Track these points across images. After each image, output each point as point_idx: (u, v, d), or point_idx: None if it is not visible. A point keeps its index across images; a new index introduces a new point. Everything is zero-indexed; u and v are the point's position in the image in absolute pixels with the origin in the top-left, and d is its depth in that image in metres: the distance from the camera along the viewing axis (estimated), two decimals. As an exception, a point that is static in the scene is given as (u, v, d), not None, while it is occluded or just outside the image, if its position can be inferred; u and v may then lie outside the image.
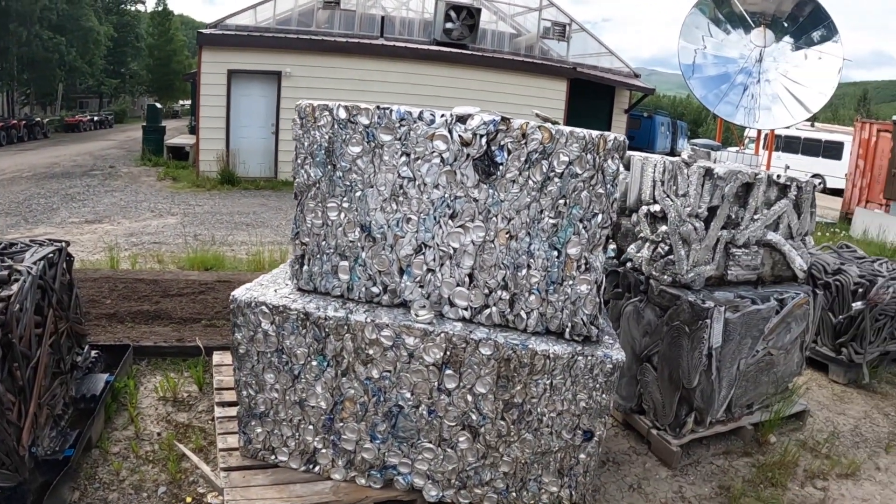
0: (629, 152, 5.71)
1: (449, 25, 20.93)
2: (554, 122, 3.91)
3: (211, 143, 18.81)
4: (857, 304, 7.30)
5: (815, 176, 30.01)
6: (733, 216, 5.33)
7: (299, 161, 4.04)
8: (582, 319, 3.91)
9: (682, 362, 5.08)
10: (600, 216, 3.80)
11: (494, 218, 3.86)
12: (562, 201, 3.79)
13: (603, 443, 4.26)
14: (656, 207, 5.28)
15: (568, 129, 3.74)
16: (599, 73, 24.13)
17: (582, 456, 4.00)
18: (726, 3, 22.64)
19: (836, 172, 30.83)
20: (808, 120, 27.12)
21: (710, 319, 4.92)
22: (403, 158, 3.86)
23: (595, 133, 3.73)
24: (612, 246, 5.87)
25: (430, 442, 4.02)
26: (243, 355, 4.10)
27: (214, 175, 18.51)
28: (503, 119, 3.73)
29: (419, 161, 3.84)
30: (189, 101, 44.09)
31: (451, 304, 3.99)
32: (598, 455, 4.07)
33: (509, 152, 3.76)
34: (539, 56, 23.38)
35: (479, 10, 21.38)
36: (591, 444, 3.98)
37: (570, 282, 3.88)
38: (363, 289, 4.08)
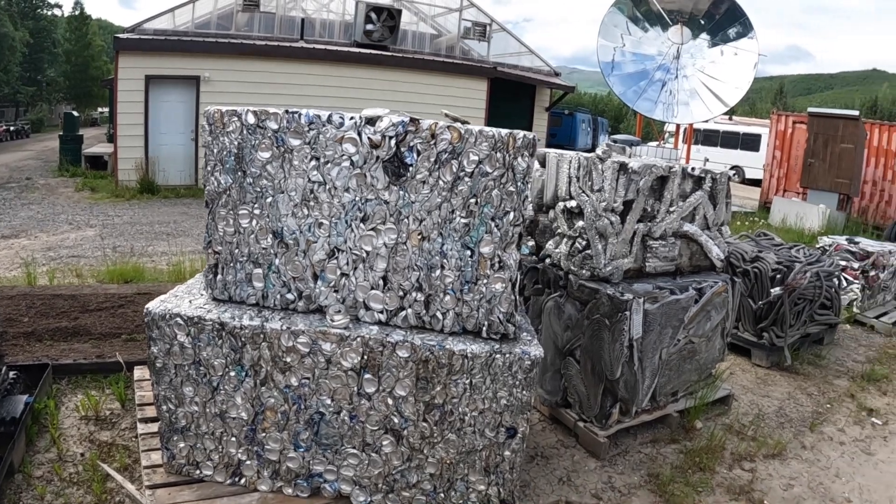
0: (545, 149, 5.77)
1: (369, 27, 20.83)
2: (463, 122, 3.92)
3: (129, 151, 18.37)
4: (776, 290, 7.46)
5: (734, 167, 31.00)
6: (649, 209, 5.42)
7: (209, 168, 3.99)
8: (498, 318, 3.94)
9: (604, 355, 5.13)
10: (512, 214, 3.83)
11: (406, 219, 3.87)
12: (473, 200, 3.81)
13: (529, 438, 4.29)
14: (572, 203, 5.33)
15: (477, 128, 3.76)
16: (520, 72, 24.28)
17: (507, 453, 4.03)
18: (644, 1, 23.08)
19: (754, 163, 31.66)
20: (725, 114, 27.68)
21: (630, 311, 4.99)
22: (313, 163, 3.85)
23: (504, 131, 3.75)
24: (531, 243, 5.92)
25: (354, 447, 4.01)
26: (161, 369, 4.04)
27: (134, 184, 18.07)
28: (412, 120, 3.74)
29: (329, 165, 3.83)
30: (108, 109, 43.18)
31: (367, 308, 3.99)
32: (523, 451, 4.10)
33: (419, 153, 3.77)
34: (460, 56, 23.46)
35: (399, 12, 21.33)
36: (516, 441, 4.01)
37: (485, 281, 3.90)
38: (278, 296, 4.05)
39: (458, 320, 3.97)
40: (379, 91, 20.23)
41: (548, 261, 5.71)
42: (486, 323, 3.96)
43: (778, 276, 7.62)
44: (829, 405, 7.01)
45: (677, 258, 5.77)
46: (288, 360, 3.88)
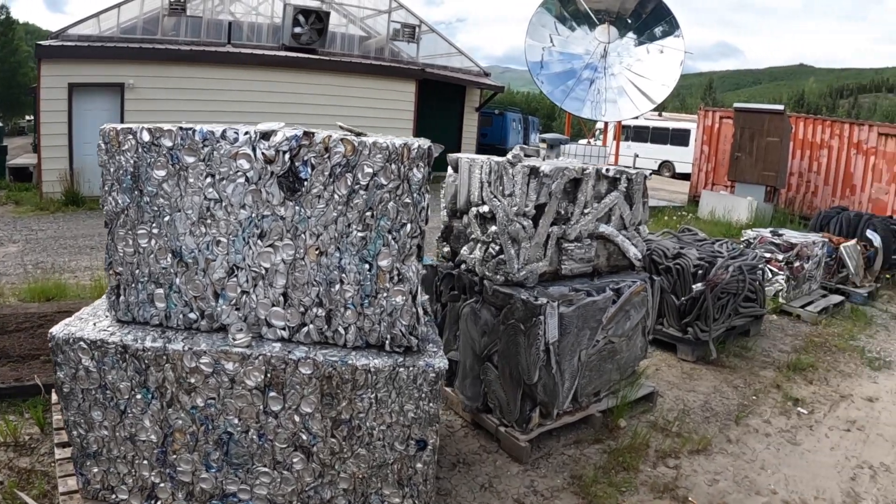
0: (457, 154, 5.75)
1: (297, 30, 20.54)
2: (358, 134, 3.87)
3: (53, 162, 17.76)
4: (697, 286, 7.52)
5: (664, 162, 31.41)
6: (563, 212, 5.42)
7: (107, 188, 3.90)
8: (400, 331, 3.90)
9: (521, 359, 5.12)
10: (409, 226, 3.78)
11: (303, 235, 3.82)
12: (369, 214, 3.76)
13: (451, 445, 4.25)
14: (485, 208, 5.32)
15: (371, 139, 3.71)
16: (450, 73, 24.31)
17: (419, 465, 3.99)
18: (572, 1, 23.26)
19: (684, 158, 32.06)
20: (655, 110, 27.95)
21: (544, 315, 4.98)
22: (209, 180, 3.78)
23: (399, 142, 3.71)
24: (447, 248, 5.90)
25: (266, 466, 3.94)
26: (68, 394, 3.93)
27: (59, 196, 17.47)
28: (305, 133, 3.68)
29: (224, 181, 3.77)
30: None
31: (269, 325, 3.94)
32: (435, 463, 4.07)
33: (313, 167, 3.72)
34: (389, 58, 23.39)
35: (327, 14, 21.11)
36: (426, 453, 3.97)
37: (385, 294, 3.86)
38: (181, 316, 3.98)
39: (360, 335, 3.93)
40: (307, 95, 20.11)
41: (463, 266, 5.69)
42: (388, 336, 3.91)
43: (699, 272, 7.68)
44: (754, 397, 7.09)
45: (594, 259, 5.79)
46: (192, 380, 3.80)
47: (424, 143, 3.78)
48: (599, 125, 34.93)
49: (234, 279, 3.89)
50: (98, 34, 18.89)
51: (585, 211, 5.54)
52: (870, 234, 13.60)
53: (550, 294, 5.20)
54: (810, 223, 15.21)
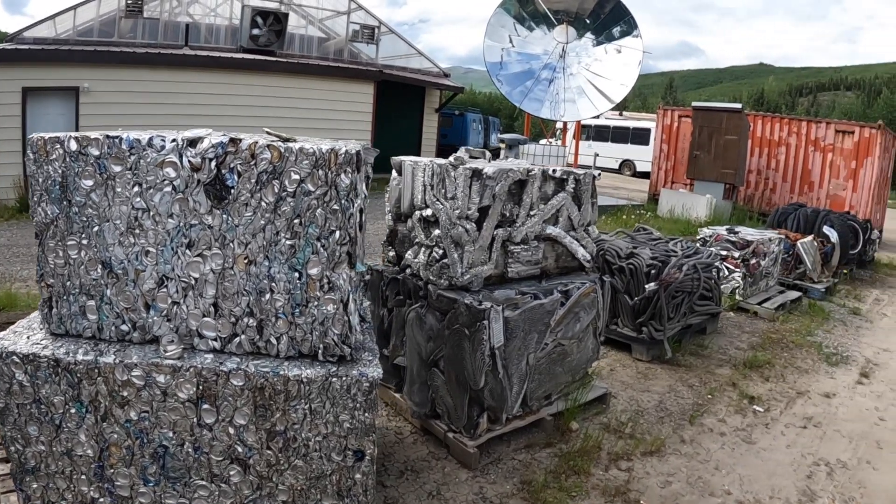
0: (401, 157, 5.68)
1: (255, 32, 20.18)
2: (286, 140, 3.78)
3: (8, 168, 17.28)
4: (650, 286, 7.50)
5: (625, 161, 31.55)
6: (508, 214, 5.36)
7: (35, 199, 3.77)
8: (333, 340, 3.80)
9: (467, 364, 5.04)
10: (338, 233, 3.68)
11: (231, 244, 3.70)
12: (297, 221, 3.66)
13: (400, 452, 4.18)
14: (428, 212, 5.24)
15: (298, 145, 3.62)
16: (409, 74, 24.19)
17: (358, 476, 3.89)
18: (530, 1, 23.19)
19: (644, 157, 32.27)
20: (616, 109, 28.05)
21: (488, 320, 4.90)
22: (136, 189, 3.65)
23: (326, 147, 3.62)
24: (392, 253, 5.83)
25: (203, 479, 3.83)
26: (3, 409, 3.79)
27: (13, 203, 17.17)
28: (232, 140, 3.58)
29: (151, 190, 3.64)
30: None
31: (201, 336, 3.82)
32: (374, 473, 3.97)
33: (239, 175, 3.61)
34: (348, 60, 23.17)
35: (286, 16, 20.78)
36: (365, 464, 3.88)
37: (316, 303, 3.76)
38: (113, 327, 3.85)
39: (293, 344, 3.83)
40: (265, 97, 19.79)
41: (408, 271, 5.61)
42: (321, 346, 3.81)
43: (652, 271, 7.66)
44: (710, 396, 7.06)
45: (542, 261, 5.74)
46: (125, 394, 3.68)
47: (353, 147, 3.69)
48: (560, 125, 35.18)
49: (165, 290, 3.77)
50: (54, 37, 18.38)
51: (531, 213, 5.48)
52: (826, 230, 13.70)
53: (495, 298, 5.13)
54: (768, 220, 15.31)
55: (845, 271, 14.06)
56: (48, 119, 17.51)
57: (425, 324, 5.34)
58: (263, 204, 3.63)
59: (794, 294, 11.54)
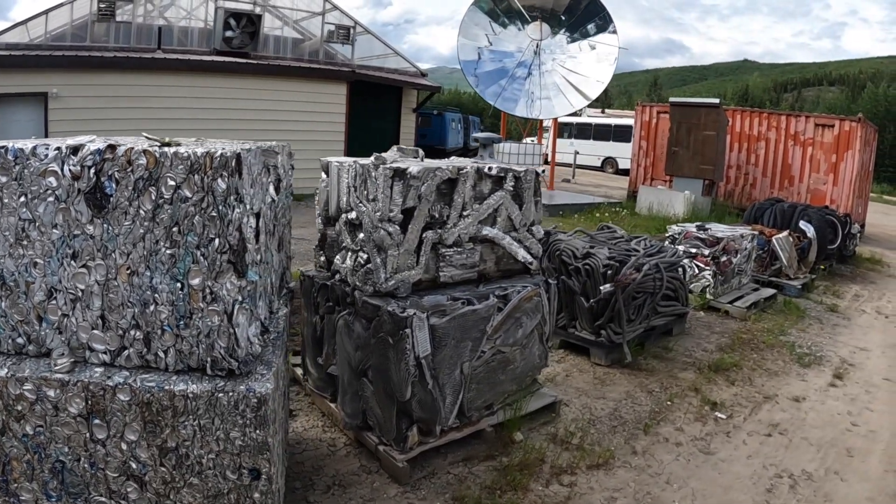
0: (327, 158, 5.33)
1: (229, 34, 19.70)
2: (165, 143, 3.43)
3: None
4: (606, 287, 7.15)
5: (607, 159, 31.39)
6: (438, 215, 4.99)
7: (-71, 210, 3.49)
8: (220, 353, 3.47)
9: (392, 375, 4.68)
10: (217, 241, 3.36)
11: (113, 254, 3.41)
12: (176, 229, 3.35)
13: (330, 465, 3.82)
14: (353, 215, 4.90)
15: (173, 149, 3.30)
16: (386, 73, 23.82)
17: (256, 495, 3.55)
18: (505, -2, 22.89)
19: (627, 154, 31.89)
20: (596, 107, 27.82)
21: (411, 328, 4.55)
22: (22, 199, 3.40)
23: (201, 150, 3.29)
24: (323, 258, 5.47)
25: (102, 495, 3.56)
26: None
27: None
28: (109, 146, 3.27)
29: (36, 200, 3.40)
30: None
31: (91, 349, 3.55)
32: (274, 493, 3.64)
33: (118, 182, 3.32)
34: (323, 60, 22.80)
35: (259, 17, 20.32)
36: (262, 483, 3.53)
37: (200, 315, 3.44)
38: (10, 340, 3.59)
39: (180, 358, 3.52)
40: (239, 100, 19.37)
41: (337, 276, 5.25)
42: (208, 359, 3.49)
43: (609, 272, 7.30)
44: (669, 402, 6.70)
45: (479, 264, 5.37)
46: (19, 408, 3.44)
47: (232, 149, 3.36)
48: (546, 123, 35.13)
49: (54, 302, 3.51)
50: (27, 42, 17.97)
51: (464, 213, 5.12)
52: (803, 225, 13.38)
53: (422, 305, 4.77)
54: (744, 216, 14.99)
55: (823, 267, 13.76)
56: (18, 126, 17.08)
57: (353, 332, 4.98)
58: (142, 212, 3.36)
59: (769, 291, 11.21)
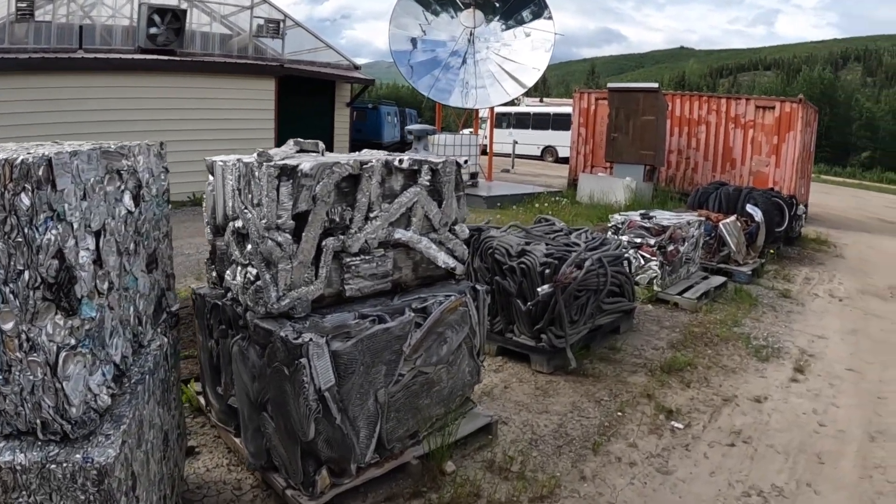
0: (212, 157, 4.56)
1: (153, 30, 18.62)
2: None
3: None
4: (543, 289, 6.47)
5: (547, 147, 31.04)
6: (339, 219, 4.24)
7: None
8: (49, 414, 2.69)
9: (292, 411, 3.93)
10: (27, 274, 2.58)
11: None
12: (-22, 261, 2.55)
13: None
14: (239, 223, 4.14)
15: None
16: (318, 68, 23.09)
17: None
18: (436, -16, 22.24)
19: (566, 143, 31.59)
20: (532, 96, 27.35)
21: (308, 357, 3.79)
22: None
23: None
24: (214, 273, 4.69)
25: None
26: None
27: None
28: None
29: None
30: None
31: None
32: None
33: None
34: (253, 56, 21.96)
35: (184, 12, 19.25)
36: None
37: (19, 367, 2.65)
38: None
39: (7, 420, 2.72)
40: (164, 99, 18.48)
41: (229, 295, 4.48)
42: (38, 421, 2.71)
43: (547, 270, 6.62)
44: (620, 413, 6.03)
45: (393, 273, 4.64)
46: None
47: (40, 154, 2.57)
48: (484, 113, 34.82)
49: None
50: (-53, 45, 17.00)
51: (371, 215, 4.39)
52: (750, 208, 12.87)
53: (322, 327, 4.03)
54: (688, 201, 14.45)
55: (772, 251, 13.28)
56: (-70, 133, 16.00)
57: (248, 359, 4.21)
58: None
59: (719, 280, 10.65)
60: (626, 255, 8.16)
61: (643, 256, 9.56)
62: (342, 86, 24.28)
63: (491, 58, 22.11)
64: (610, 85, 21.43)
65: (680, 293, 9.56)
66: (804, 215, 17.16)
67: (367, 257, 4.41)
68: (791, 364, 7.52)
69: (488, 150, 24.32)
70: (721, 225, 11.64)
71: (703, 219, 11.07)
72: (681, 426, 5.83)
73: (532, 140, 39.91)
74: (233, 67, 20.49)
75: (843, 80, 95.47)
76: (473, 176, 20.54)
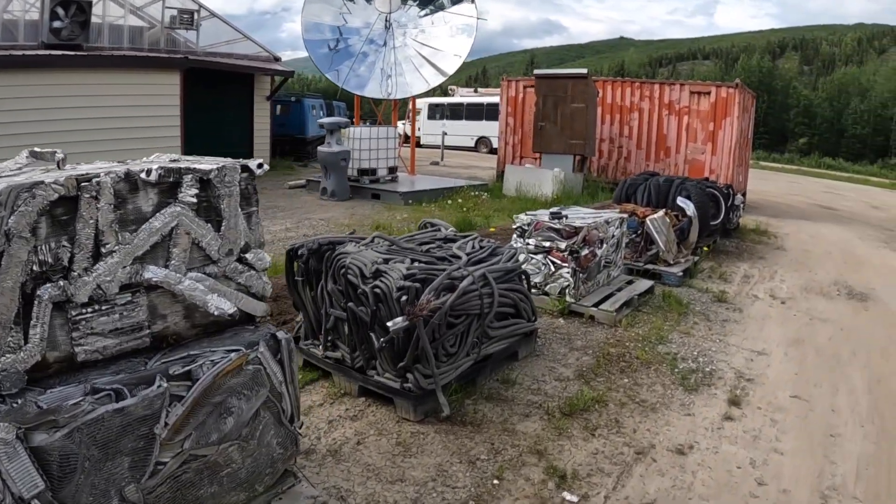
0: None
1: (57, 24, 17.26)
2: None
3: None
4: (396, 322, 5.13)
5: (481, 138, 30.28)
6: (53, 259, 2.92)
7: None
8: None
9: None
10: None
11: None
12: None
13: None
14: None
15: None
16: (235, 60, 22.13)
17: None
18: (350, -29, 20.99)
19: (499, 133, 30.88)
20: (468, 86, 26.26)
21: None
22: None
23: None
24: None
25: None
26: None
27: None
28: None
29: None
30: None
31: None
32: None
33: None
34: (165, 49, 20.68)
35: (90, 4, 17.80)
36: None
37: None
38: None
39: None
40: (69, 97, 17.27)
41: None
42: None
43: (404, 296, 5.28)
44: (497, 479, 4.67)
45: (151, 324, 3.30)
46: None
47: None
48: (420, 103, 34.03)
49: None
50: None
51: (105, 250, 3.06)
52: (681, 201, 11.73)
53: (25, 411, 2.72)
54: (614, 194, 13.27)
55: (706, 248, 12.15)
56: None
57: None
58: None
59: (645, 284, 9.46)
60: (520, 268, 6.88)
61: (553, 263, 8.33)
62: (261, 79, 23.50)
63: (409, 45, 20.88)
64: (537, 71, 20.37)
65: (597, 304, 8.33)
66: (742, 205, 16.21)
67: (104, 307, 3.09)
68: (725, 394, 6.32)
69: (411, 142, 23.09)
70: (648, 221, 10.48)
71: (625, 215, 9.85)
72: (574, 499, 4.53)
73: (466, 131, 39.53)
74: (134, 62, 19.32)
75: (781, 68, 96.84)
76: (392, 170, 19.35)
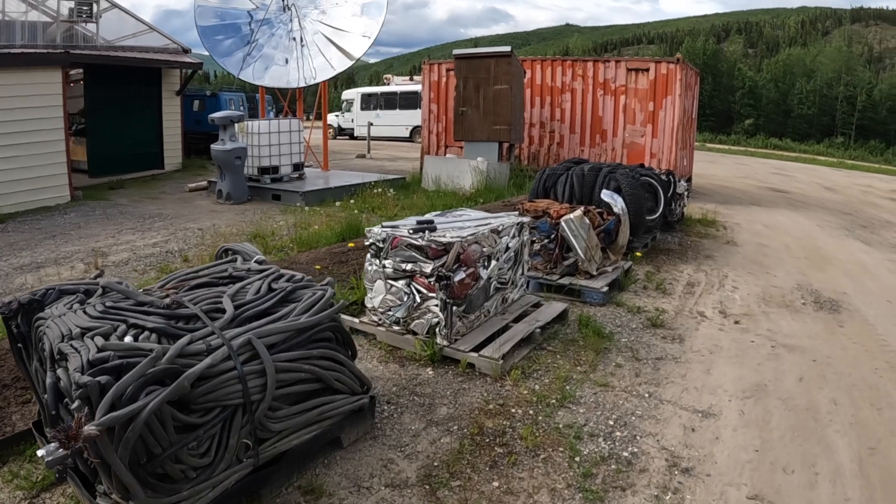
0: None
1: None
2: None
3: None
4: (49, 452, 2.84)
5: (415, 128, 28.35)
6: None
7: None
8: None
9: None
10: None
11: None
12: None
13: None
14: None
15: None
16: (138, 53, 20.09)
17: None
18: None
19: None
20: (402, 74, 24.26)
21: None
22: None
23: None
24: None
25: None
26: None
27: None
28: None
29: None
30: None
31: None
32: None
33: None
34: (62, 44, 18.52)
35: None
36: None
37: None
38: None
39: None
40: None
41: None
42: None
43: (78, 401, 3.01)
44: None
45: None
46: None
47: None
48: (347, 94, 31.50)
49: None
50: None
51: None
52: (606, 195, 9.51)
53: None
54: (531, 189, 10.96)
55: (639, 254, 9.95)
56: None
57: None
58: None
59: (556, 309, 7.21)
60: (332, 318, 4.46)
61: (418, 291, 6.03)
62: (170, 72, 21.56)
63: (311, 27, 18.63)
64: (456, 51, 18.18)
65: (478, 346, 6.04)
66: (687, 192, 14.16)
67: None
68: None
69: (323, 133, 20.78)
70: (563, 223, 8.23)
71: (525, 219, 7.47)
72: None
73: (399, 121, 38.08)
74: (6, 60, 16.64)
75: (726, 51, 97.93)
76: (298, 167, 17.16)
